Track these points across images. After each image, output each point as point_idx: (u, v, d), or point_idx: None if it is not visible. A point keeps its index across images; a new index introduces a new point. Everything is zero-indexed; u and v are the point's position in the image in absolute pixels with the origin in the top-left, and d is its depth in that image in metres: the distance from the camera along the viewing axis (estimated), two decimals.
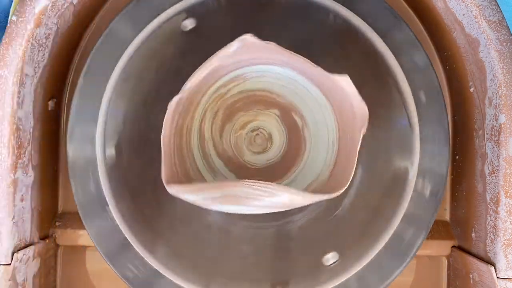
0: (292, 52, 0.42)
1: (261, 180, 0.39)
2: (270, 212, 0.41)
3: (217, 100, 0.52)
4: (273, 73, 0.50)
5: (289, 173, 0.52)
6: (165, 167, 0.41)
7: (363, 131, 0.41)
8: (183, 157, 0.49)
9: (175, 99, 0.42)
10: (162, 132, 0.42)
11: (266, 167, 0.53)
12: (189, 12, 0.50)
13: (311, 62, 0.42)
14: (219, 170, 0.52)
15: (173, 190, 0.40)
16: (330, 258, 0.50)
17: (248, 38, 0.41)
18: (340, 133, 0.48)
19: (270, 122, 0.53)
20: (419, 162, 0.50)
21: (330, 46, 0.51)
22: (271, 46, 0.42)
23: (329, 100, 0.48)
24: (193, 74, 0.42)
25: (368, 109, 0.43)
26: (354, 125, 0.43)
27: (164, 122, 0.42)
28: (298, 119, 0.52)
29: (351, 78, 0.41)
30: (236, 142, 0.53)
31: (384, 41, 0.51)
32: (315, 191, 0.46)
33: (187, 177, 0.48)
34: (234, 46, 0.41)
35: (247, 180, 0.38)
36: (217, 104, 0.52)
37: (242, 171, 0.53)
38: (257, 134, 0.53)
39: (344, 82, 0.41)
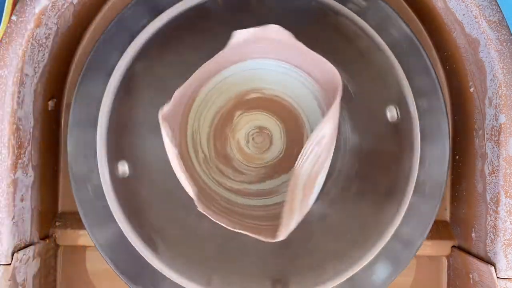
0: (204, 64, 0.41)
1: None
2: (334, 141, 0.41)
3: (206, 165, 0.53)
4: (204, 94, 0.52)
5: (305, 133, 0.53)
6: (252, 232, 0.41)
7: (296, 44, 0.40)
8: (239, 214, 0.50)
9: (194, 197, 0.40)
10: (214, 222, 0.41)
11: (288, 148, 0.54)
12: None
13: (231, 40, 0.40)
14: (264, 189, 0.53)
15: (283, 235, 0.39)
16: (391, 112, 0.51)
17: (164, 110, 0.39)
18: (308, 70, 0.49)
19: (249, 119, 0.53)
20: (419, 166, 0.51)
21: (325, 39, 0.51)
22: (181, 91, 0.41)
23: (277, 56, 0.50)
24: (175, 171, 0.41)
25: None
26: (300, 47, 0.42)
27: (207, 214, 0.41)
28: (257, 94, 0.53)
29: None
30: (251, 159, 0.54)
31: (386, 42, 0.51)
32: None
33: (271, 217, 0.49)
34: (166, 133, 0.39)
35: (296, 167, 0.38)
36: (209, 166, 0.53)
37: (276, 171, 0.54)
38: (253, 138, 0.54)
39: (274, 29, 0.40)
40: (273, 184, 0.53)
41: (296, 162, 0.39)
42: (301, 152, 0.38)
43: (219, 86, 0.52)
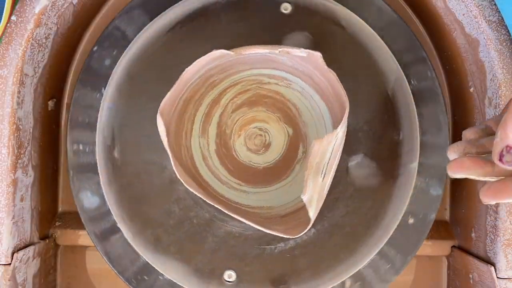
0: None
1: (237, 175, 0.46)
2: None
3: (253, 84, 0.52)
4: (313, 100, 0.52)
5: (267, 185, 0.53)
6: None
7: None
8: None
9: (223, 51, 0.41)
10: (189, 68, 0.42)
11: (246, 167, 0.54)
12: None
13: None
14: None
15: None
16: (229, 275, 0.51)
17: (318, 56, 0.42)
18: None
19: (278, 134, 0.53)
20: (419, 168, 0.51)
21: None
22: (330, 74, 0.43)
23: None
24: (252, 46, 0.42)
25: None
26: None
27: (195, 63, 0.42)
28: (300, 151, 0.53)
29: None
30: (238, 127, 0.53)
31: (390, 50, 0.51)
32: None
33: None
34: (302, 52, 0.42)
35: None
36: (251, 86, 0.52)
37: (227, 156, 0.53)
38: (260, 135, 0.54)
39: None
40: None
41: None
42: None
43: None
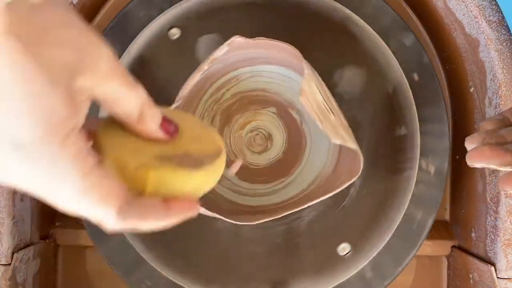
0: (281, 42, 0.44)
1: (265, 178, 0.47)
2: None
3: (213, 105, 0.52)
4: (267, 72, 0.51)
5: (293, 169, 0.53)
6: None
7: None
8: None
9: (170, 109, 0.42)
10: None
11: (270, 165, 0.53)
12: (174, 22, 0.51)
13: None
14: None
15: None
16: (343, 249, 0.50)
17: (236, 39, 0.42)
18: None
19: (268, 121, 0.53)
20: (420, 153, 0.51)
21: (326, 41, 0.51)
22: (259, 41, 0.43)
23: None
24: (186, 82, 0.43)
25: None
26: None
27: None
28: (295, 114, 0.52)
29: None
30: (236, 143, 0.53)
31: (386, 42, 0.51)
32: (320, 184, 0.50)
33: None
34: (223, 49, 0.42)
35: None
36: (213, 109, 0.52)
37: (245, 172, 0.53)
38: (257, 134, 0.53)
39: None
40: (224, 173, 0.53)
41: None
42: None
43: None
